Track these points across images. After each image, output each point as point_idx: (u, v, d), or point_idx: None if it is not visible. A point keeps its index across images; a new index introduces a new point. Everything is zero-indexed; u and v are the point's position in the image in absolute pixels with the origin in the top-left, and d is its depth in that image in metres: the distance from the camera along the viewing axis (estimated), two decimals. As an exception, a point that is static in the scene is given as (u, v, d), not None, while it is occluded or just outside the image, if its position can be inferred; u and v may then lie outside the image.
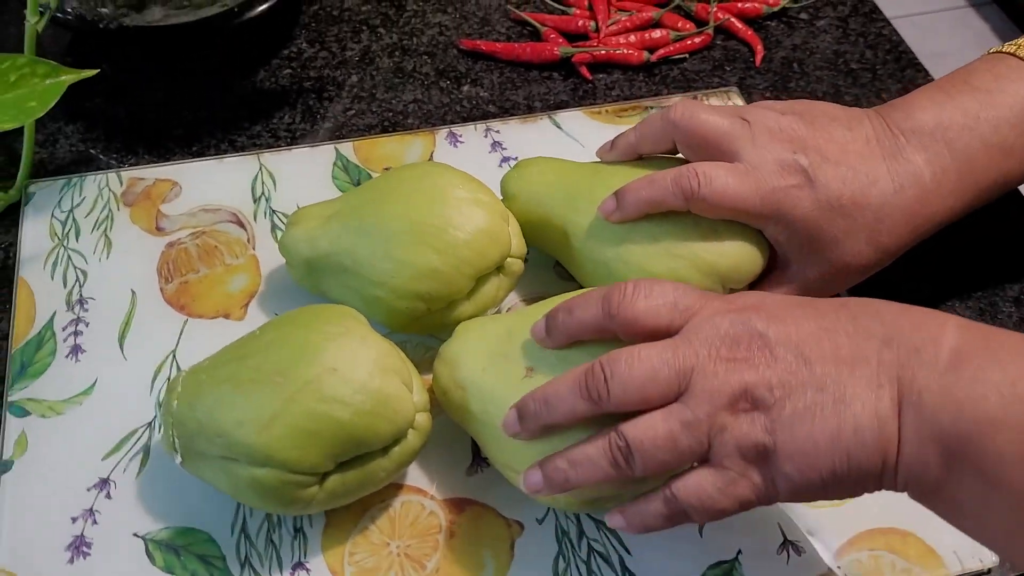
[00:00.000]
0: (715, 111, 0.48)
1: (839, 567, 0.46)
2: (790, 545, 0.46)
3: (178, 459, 0.44)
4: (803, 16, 0.73)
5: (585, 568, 0.46)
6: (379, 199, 0.50)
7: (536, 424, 0.41)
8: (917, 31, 2.07)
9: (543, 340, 0.42)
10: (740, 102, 0.65)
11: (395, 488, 0.48)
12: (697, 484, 0.38)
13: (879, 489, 0.38)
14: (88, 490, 0.47)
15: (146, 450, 0.49)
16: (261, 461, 0.41)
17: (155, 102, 0.65)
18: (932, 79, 0.66)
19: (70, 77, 0.48)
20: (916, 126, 0.48)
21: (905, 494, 0.38)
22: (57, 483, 0.47)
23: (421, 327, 0.50)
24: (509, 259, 0.50)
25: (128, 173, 0.60)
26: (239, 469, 0.42)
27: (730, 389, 0.37)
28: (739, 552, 0.46)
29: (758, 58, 0.69)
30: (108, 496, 0.47)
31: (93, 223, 0.57)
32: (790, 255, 0.49)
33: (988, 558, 0.46)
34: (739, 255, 0.48)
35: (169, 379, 0.51)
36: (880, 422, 0.36)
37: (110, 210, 0.58)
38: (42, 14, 0.53)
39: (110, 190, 0.59)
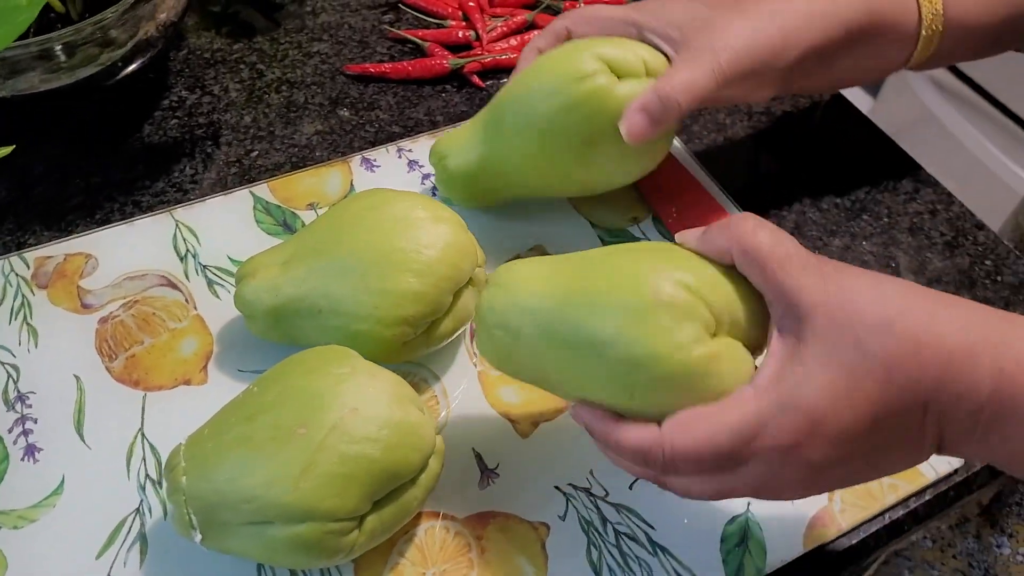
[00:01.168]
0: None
1: (836, 496, 0.49)
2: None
3: (198, 537, 0.42)
4: (659, 1, 0.77)
5: (617, 551, 0.47)
6: (340, 235, 0.49)
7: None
8: None
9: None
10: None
11: (416, 518, 0.47)
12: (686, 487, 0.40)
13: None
14: (90, 594, 0.44)
15: (142, 537, 0.46)
16: (300, 517, 0.40)
17: (41, 174, 0.60)
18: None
19: (-14, 157, 0.44)
20: None
21: None
22: (53, 595, 0.44)
23: (407, 352, 0.49)
24: (476, 269, 0.51)
25: (32, 253, 0.55)
26: (274, 531, 0.40)
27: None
28: (748, 504, 0.49)
29: (632, 45, 0.72)
30: (115, 595, 0.44)
31: (9, 313, 0.53)
32: None
33: (955, 461, 0.51)
34: None
35: (146, 458, 0.48)
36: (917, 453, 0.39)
37: (24, 296, 0.54)
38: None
39: (17, 275, 0.54)
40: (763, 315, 0.41)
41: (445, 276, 0.48)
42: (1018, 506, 0.69)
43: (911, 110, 1.98)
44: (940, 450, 0.39)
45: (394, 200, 0.50)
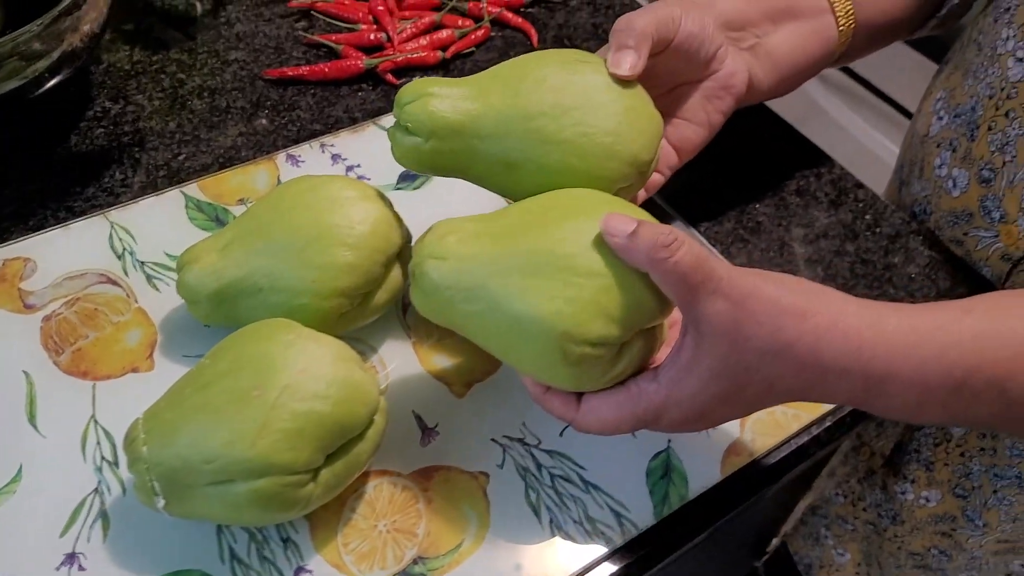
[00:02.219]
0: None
1: (747, 427, 0.55)
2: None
3: (161, 503, 0.44)
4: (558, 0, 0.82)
5: (553, 492, 0.51)
6: (277, 217, 0.52)
7: None
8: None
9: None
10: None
11: (364, 476, 0.51)
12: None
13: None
14: (57, 569, 0.46)
15: (103, 515, 0.48)
16: (260, 472, 0.43)
17: (-30, 186, 0.62)
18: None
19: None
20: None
21: None
22: (19, 573, 0.45)
23: (344, 323, 0.53)
24: (404, 244, 0.55)
25: (-30, 260, 0.57)
26: (236, 488, 0.43)
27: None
28: (669, 440, 0.54)
29: (534, 40, 0.77)
30: (81, 568, 0.46)
31: (-48, 317, 0.54)
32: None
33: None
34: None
35: (100, 442, 0.50)
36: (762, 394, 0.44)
37: (-35, 301, 0.55)
38: None
39: (-43, 281, 0.56)
40: (662, 300, 0.45)
41: (377, 248, 0.51)
42: (916, 452, 0.75)
43: (799, 105, 2.09)
44: None
45: (325, 183, 0.53)
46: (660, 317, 0.45)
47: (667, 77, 0.58)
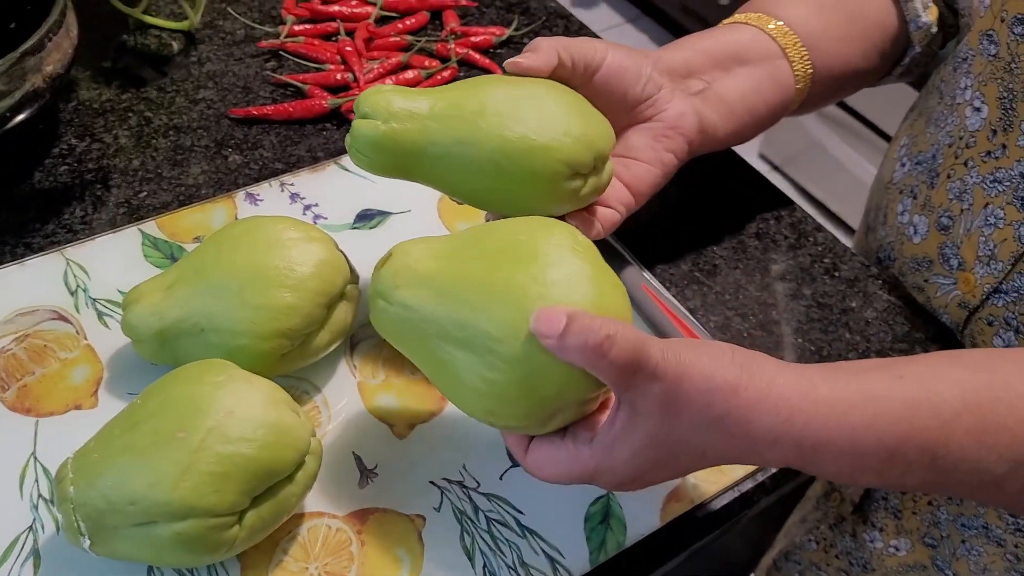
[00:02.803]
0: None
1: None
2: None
3: (87, 543, 0.44)
4: (526, 40, 0.83)
5: (489, 536, 0.51)
6: (219, 258, 0.52)
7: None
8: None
9: None
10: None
11: (298, 518, 0.51)
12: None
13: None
14: (-14, 608, 0.46)
15: (36, 553, 0.48)
16: (182, 514, 0.43)
17: (-70, 222, 0.63)
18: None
19: None
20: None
21: None
22: (-52, 611, 0.46)
23: (286, 364, 0.53)
24: (349, 285, 0.55)
25: (-75, 296, 0.58)
26: (159, 530, 0.43)
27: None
28: (609, 486, 0.54)
29: (501, 81, 0.78)
30: (10, 607, 0.46)
31: (-98, 352, 0.55)
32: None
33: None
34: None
35: (39, 480, 0.50)
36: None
37: (-84, 336, 0.56)
38: None
39: (-91, 316, 0.57)
40: (593, 381, 0.45)
41: (317, 290, 0.52)
42: (884, 500, 0.75)
43: (799, 141, 2.09)
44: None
45: (268, 224, 0.54)
46: (594, 392, 0.45)
47: (609, 114, 0.58)
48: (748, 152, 2.17)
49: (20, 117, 0.63)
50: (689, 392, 0.42)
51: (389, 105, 0.51)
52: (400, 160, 0.52)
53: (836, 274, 0.68)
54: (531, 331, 0.42)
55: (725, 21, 0.65)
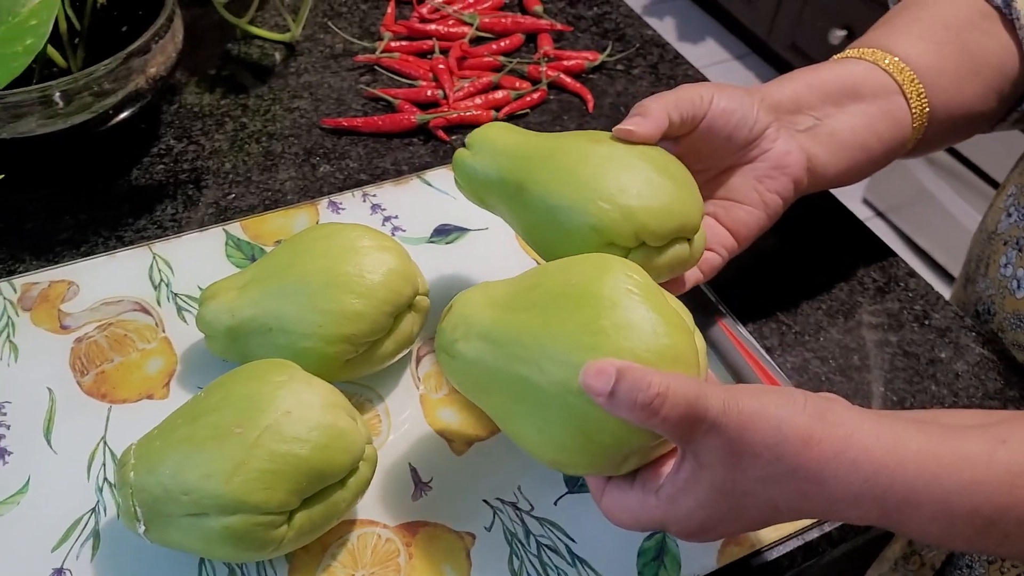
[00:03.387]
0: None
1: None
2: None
3: (142, 528, 0.45)
4: (619, 67, 0.83)
5: (538, 561, 0.50)
6: (292, 261, 0.53)
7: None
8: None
9: None
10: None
11: (349, 523, 0.51)
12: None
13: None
14: (44, 583, 0.47)
15: (96, 534, 0.49)
16: (232, 509, 0.44)
17: (33, 211, 0.66)
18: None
19: (-25, 183, 0.49)
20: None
21: None
22: (9, 582, 0.47)
23: (350, 370, 0.53)
24: (418, 296, 0.55)
25: (20, 280, 0.61)
26: (210, 522, 0.44)
27: None
28: (666, 521, 0.52)
29: (590, 105, 0.77)
30: (66, 584, 0.48)
31: (-7, 331, 0.58)
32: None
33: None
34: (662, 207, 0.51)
35: (106, 464, 0.52)
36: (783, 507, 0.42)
37: (9, 317, 0.58)
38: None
39: (4, 298, 0.59)
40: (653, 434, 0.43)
41: (385, 299, 0.52)
42: (969, 568, 0.71)
43: (906, 187, 2.02)
44: None
45: (343, 231, 0.54)
46: (656, 440, 0.43)
47: (712, 158, 0.57)
48: (851, 197, 2.11)
49: (122, 115, 0.66)
50: (754, 444, 0.40)
51: (498, 138, 0.55)
52: (498, 192, 0.54)
53: (926, 322, 0.65)
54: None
55: (836, 56, 0.63)
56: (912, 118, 0.60)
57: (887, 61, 0.60)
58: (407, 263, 0.54)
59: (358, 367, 0.54)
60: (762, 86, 0.59)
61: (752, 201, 0.58)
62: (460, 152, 0.56)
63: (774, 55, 2.43)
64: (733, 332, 0.61)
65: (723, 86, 0.56)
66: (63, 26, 0.68)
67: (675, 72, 0.83)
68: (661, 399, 0.39)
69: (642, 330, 0.42)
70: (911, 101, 0.60)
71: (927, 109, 0.60)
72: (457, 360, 0.47)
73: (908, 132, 0.60)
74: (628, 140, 0.52)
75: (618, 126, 0.52)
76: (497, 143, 0.55)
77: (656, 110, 0.53)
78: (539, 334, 0.44)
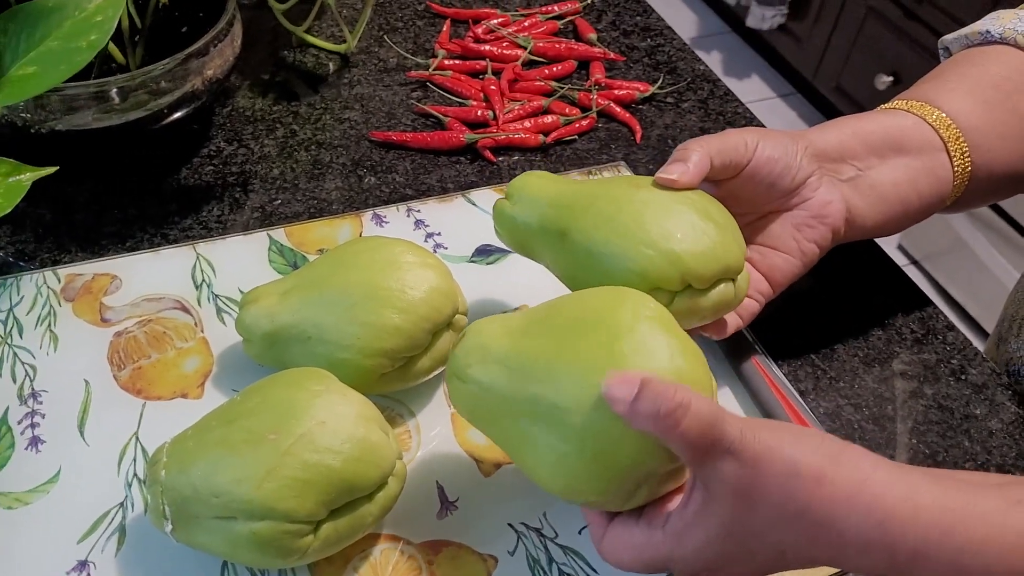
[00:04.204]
0: None
1: (777, 561, 0.52)
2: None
3: (169, 527, 0.46)
4: (670, 100, 0.83)
5: (559, 590, 0.50)
6: (334, 272, 0.54)
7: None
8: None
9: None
10: (628, 172, 0.74)
11: (373, 538, 0.51)
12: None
13: None
14: (67, 573, 0.48)
15: (122, 529, 0.50)
16: (260, 514, 0.44)
17: (82, 203, 0.67)
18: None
19: (32, 175, 0.50)
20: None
21: None
22: (34, 570, 0.48)
23: (385, 384, 0.53)
24: (457, 315, 0.55)
25: (65, 270, 0.61)
26: (237, 526, 0.44)
27: None
28: (691, 560, 0.52)
29: (638, 136, 0.78)
30: (89, 576, 0.48)
31: (36, 320, 0.58)
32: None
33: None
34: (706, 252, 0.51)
35: (136, 459, 0.52)
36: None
37: (51, 307, 0.59)
38: (-18, 120, 0.55)
39: (48, 288, 0.60)
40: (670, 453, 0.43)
41: (425, 316, 0.52)
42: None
43: (943, 237, 2.00)
44: None
45: (387, 245, 0.55)
46: (672, 464, 0.43)
47: (752, 203, 0.57)
48: (887, 243, 2.09)
49: (177, 115, 0.67)
50: (767, 478, 0.39)
51: (532, 191, 0.56)
52: (525, 242, 0.56)
53: (963, 377, 0.64)
54: (602, 396, 0.40)
55: (884, 106, 0.63)
56: (954, 176, 0.59)
57: (934, 116, 0.59)
58: (449, 281, 0.54)
59: (393, 382, 0.54)
60: (808, 131, 0.59)
61: (790, 249, 0.57)
62: (500, 202, 0.57)
63: (819, 96, 2.43)
64: (767, 371, 0.61)
65: (769, 133, 0.56)
66: (125, 23, 0.69)
67: (724, 108, 0.83)
68: (683, 411, 0.38)
69: (659, 354, 0.42)
70: (954, 159, 0.59)
71: (969, 168, 0.60)
72: (469, 385, 0.46)
73: (948, 189, 0.60)
74: (670, 187, 0.52)
75: (660, 173, 0.53)
76: (537, 192, 0.55)
77: (699, 155, 0.53)
78: (556, 356, 0.44)
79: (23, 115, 0.62)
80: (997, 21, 0.63)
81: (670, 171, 0.52)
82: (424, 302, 0.52)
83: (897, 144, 0.59)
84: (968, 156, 0.59)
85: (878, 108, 0.62)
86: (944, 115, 0.59)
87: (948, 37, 0.68)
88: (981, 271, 1.91)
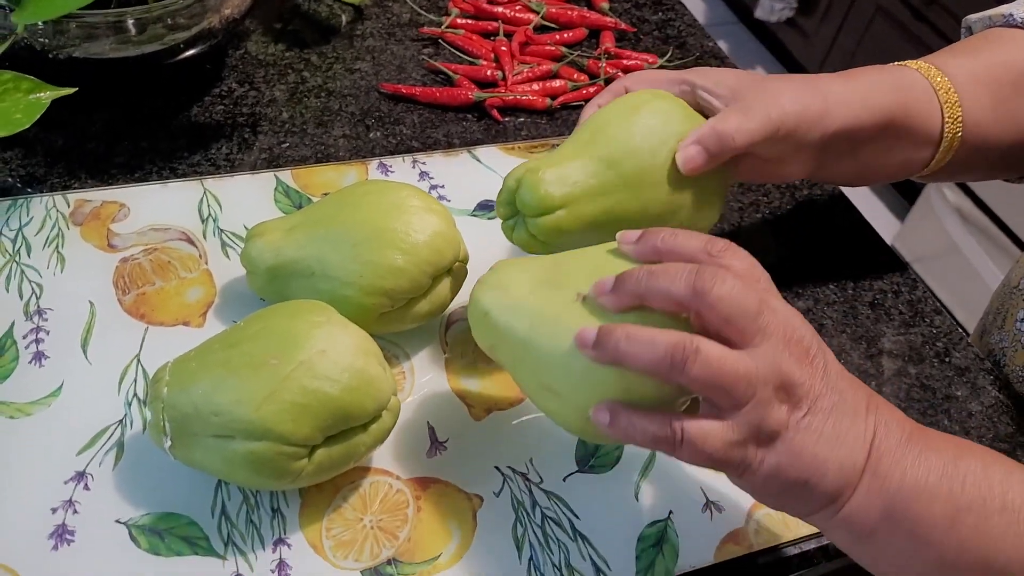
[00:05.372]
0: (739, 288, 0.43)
1: (753, 519, 0.53)
2: (712, 505, 0.54)
3: (168, 443, 0.47)
4: (677, 73, 0.84)
5: (540, 532, 0.51)
6: (340, 211, 0.55)
7: (610, 356, 0.42)
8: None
9: (606, 295, 0.43)
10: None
11: (363, 470, 0.52)
12: (708, 428, 0.41)
13: (821, 515, 0.43)
14: (65, 483, 0.49)
15: (119, 445, 0.51)
16: (259, 435, 0.45)
17: (94, 132, 0.68)
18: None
19: (52, 93, 0.51)
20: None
21: None
22: (32, 478, 0.49)
23: (383, 324, 0.55)
24: (457, 263, 0.56)
25: (75, 195, 0.62)
26: (235, 445, 0.45)
27: (787, 373, 0.41)
28: (670, 512, 0.53)
29: (644, 106, 0.79)
30: (86, 487, 0.49)
31: (44, 241, 0.59)
32: None
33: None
34: None
35: (137, 380, 0.54)
36: (852, 467, 0.42)
37: (60, 229, 0.60)
38: (3, 39, 0.56)
39: (58, 211, 0.61)
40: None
41: (427, 259, 0.53)
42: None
43: (935, 239, 2.02)
44: (865, 467, 0.42)
45: (394, 188, 0.56)
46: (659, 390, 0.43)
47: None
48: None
49: (192, 51, 0.67)
50: None
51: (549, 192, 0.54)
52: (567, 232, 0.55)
53: (947, 360, 0.66)
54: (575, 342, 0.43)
55: (905, 63, 0.63)
56: (940, 143, 0.61)
57: (939, 79, 0.60)
58: (452, 228, 0.56)
59: (391, 323, 0.55)
60: (829, 93, 0.58)
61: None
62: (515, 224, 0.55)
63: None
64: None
65: (788, 91, 0.56)
66: (146, -42, 0.70)
67: (730, 85, 0.84)
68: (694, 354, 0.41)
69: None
70: (946, 126, 0.60)
71: (959, 136, 0.61)
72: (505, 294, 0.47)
73: (930, 157, 0.61)
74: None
75: (682, 156, 0.54)
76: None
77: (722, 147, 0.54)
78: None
79: (41, 39, 0.63)
80: (1022, 6, 0.65)
81: (686, 160, 0.54)
82: (427, 245, 0.53)
83: (900, 120, 0.59)
84: (960, 123, 0.60)
85: (896, 64, 0.63)
86: (947, 80, 0.60)
87: (972, 17, 0.70)
88: (971, 275, 1.93)
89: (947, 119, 0.60)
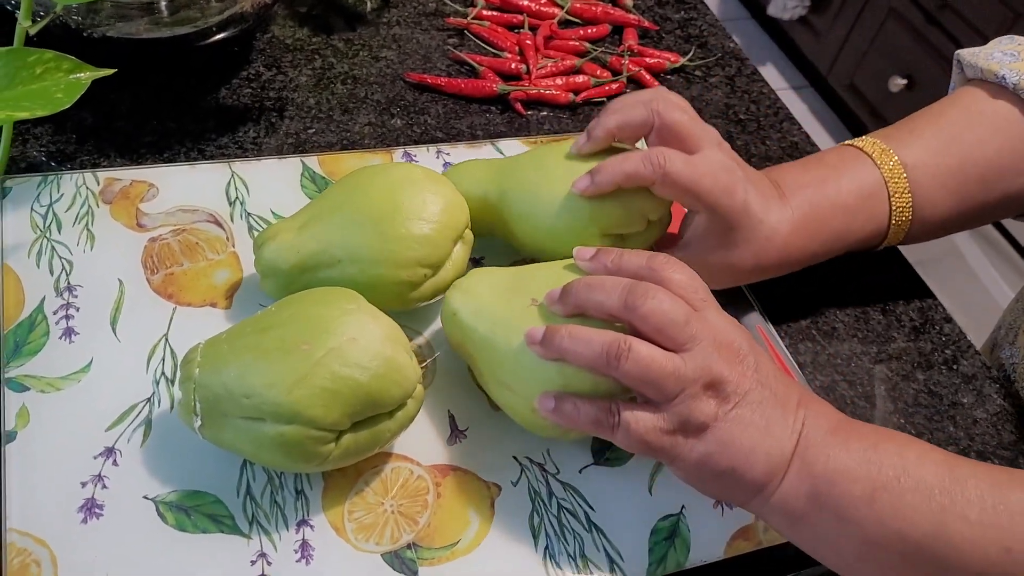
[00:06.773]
0: (686, 117, 0.56)
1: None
2: (724, 502, 0.55)
3: (198, 423, 0.48)
4: (698, 73, 0.85)
5: (556, 522, 0.52)
6: (351, 197, 0.55)
7: (554, 352, 0.47)
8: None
9: (553, 303, 0.49)
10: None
11: (385, 456, 0.53)
12: (640, 415, 0.46)
13: (756, 502, 0.48)
14: (95, 458, 0.50)
15: (148, 423, 0.52)
16: (288, 418, 0.46)
17: (123, 111, 0.68)
18: (801, 129, 0.79)
19: (92, 73, 0.52)
20: (787, 183, 0.60)
21: None
22: (63, 452, 0.50)
23: (415, 298, 0.55)
24: (466, 230, 0.58)
25: (104, 173, 0.63)
26: (265, 428, 0.47)
27: (716, 372, 0.46)
28: (683, 507, 0.54)
29: (665, 105, 0.79)
30: (115, 463, 0.50)
31: (74, 218, 0.60)
32: (700, 238, 0.58)
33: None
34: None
35: (165, 359, 0.54)
36: (780, 456, 0.46)
37: (90, 207, 0.61)
38: (40, 18, 0.56)
39: (87, 188, 0.62)
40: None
41: (447, 224, 0.55)
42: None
43: (936, 241, 2.03)
44: (792, 456, 0.47)
45: (396, 166, 0.57)
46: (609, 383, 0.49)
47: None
48: (882, 242, 2.12)
49: (222, 35, 0.68)
50: None
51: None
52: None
53: (955, 367, 0.67)
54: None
55: (857, 142, 0.64)
56: (889, 227, 0.63)
57: (891, 164, 0.62)
58: (458, 195, 0.57)
59: (424, 295, 0.55)
60: (786, 190, 0.60)
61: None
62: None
63: (831, 92, 2.45)
64: (768, 337, 0.63)
65: (761, 202, 0.58)
66: (180, -60, 0.70)
67: (750, 87, 0.85)
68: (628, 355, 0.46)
69: None
70: (894, 212, 0.62)
71: (908, 219, 0.63)
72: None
73: (880, 241, 0.64)
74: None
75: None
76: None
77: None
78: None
79: (75, 18, 0.63)
80: (1016, 65, 0.64)
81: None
82: (445, 211, 0.55)
83: (857, 207, 0.61)
84: (909, 210, 0.62)
85: (847, 145, 0.64)
86: (899, 166, 0.62)
87: (965, 54, 0.68)
88: (972, 281, 1.94)
89: (894, 208, 0.62)
